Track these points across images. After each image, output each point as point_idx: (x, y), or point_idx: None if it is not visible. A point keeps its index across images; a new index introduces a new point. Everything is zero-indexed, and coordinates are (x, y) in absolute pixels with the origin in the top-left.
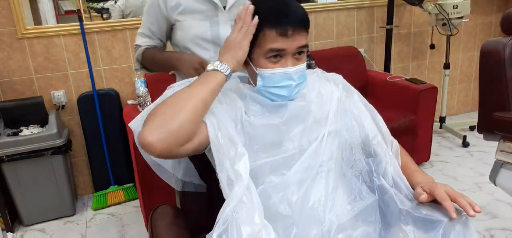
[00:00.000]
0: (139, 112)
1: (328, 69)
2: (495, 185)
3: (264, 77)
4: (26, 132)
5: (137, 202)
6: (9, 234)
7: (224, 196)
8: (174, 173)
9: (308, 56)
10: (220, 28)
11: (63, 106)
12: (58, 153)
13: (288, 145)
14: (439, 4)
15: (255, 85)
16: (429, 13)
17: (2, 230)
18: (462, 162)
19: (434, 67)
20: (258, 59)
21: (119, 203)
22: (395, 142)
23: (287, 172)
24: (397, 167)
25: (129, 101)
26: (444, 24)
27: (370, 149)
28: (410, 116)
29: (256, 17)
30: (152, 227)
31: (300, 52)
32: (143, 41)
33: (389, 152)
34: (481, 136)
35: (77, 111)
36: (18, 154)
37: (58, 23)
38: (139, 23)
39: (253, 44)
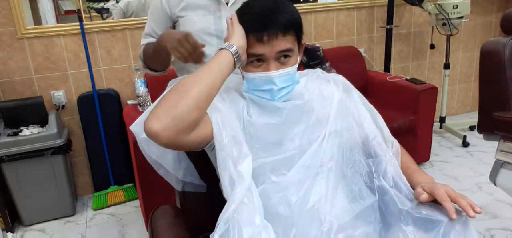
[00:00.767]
0: (139, 112)
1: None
2: (495, 185)
3: (248, 80)
4: (26, 132)
5: (137, 202)
6: (9, 234)
7: (225, 195)
8: (174, 173)
9: (321, 58)
10: (223, 22)
11: (63, 106)
12: (58, 153)
13: (289, 144)
14: (439, 4)
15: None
16: (429, 13)
17: (2, 230)
18: (462, 162)
19: (434, 67)
20: (246, 64)
21: (119, 203)
22: (396, 142)
23: (287, 172)
24: (397, 167)
25: (129, 101)
26: (444, 24)
27: (370, 149)
28: (410, 117)
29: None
30: (152, 227)
31: (285, 56)
32: (146, 42)
33: (389, 152)
34: (481, 136)
35: (77, 111)
36: (18, 154)
37: (58, 23)
38: (140, 23)
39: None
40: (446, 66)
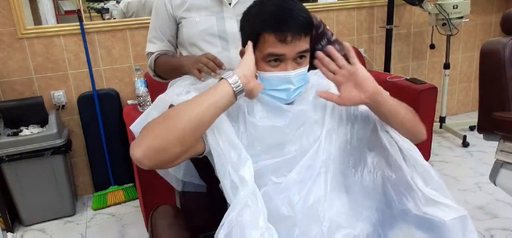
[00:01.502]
0: (139, 112)
1: None
2: (495, 185)
3: (263, 80)
4: (26, 132)
5: (137, 202)
6: (9, 234)
7: (228, 200)
8: (174, 173)
9: (334, 41)
10: (226, 23)
11: (63, 106)
12: (58, 153)
13: (290, 147)
14: (439, 4)
15: None
16: (429, 13)
17: (2, 230)
18: (462, 162)
19: (434, 67)
20: (258, 62)
21: (119, 203)
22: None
23: (288, 173)
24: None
25: (129, 101)
26: (444, 24)
27: (376, 138)
28: None
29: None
30: (152, 227)
31: (301, 57)
32: (154, 47)
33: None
34: (481, 136)
35: (77, 111)
36: (18, 154)
37: (58, 23)
38: (140, 23)
39: (254, 47)
40: (446, 66)
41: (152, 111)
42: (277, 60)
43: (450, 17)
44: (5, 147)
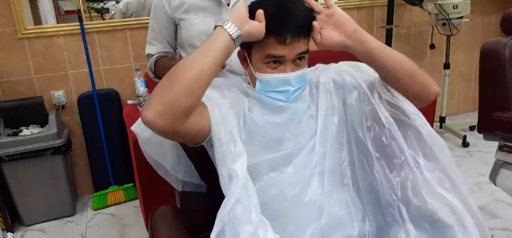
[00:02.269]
0: (139, 112)
1: None
2: (495, 185)
3: (262, 82)
4: (26, 132)
5: (137, 202)
6: (9, 234)
7: (224, 191)
8: (174, 173)
9: None
10: None
11: (63, 106)
12: (58, 153)
13: (288, 144)
14: (439, 4)
15: (254, 88)
16: (429, 13)
17: (2, 230)
18: (462, 162)
19: (434, 67)
20: (257, 63)
21: (119, 203)
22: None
23: (285, 169)
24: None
25: (129, 101)
26: (444, 24)
27: (375, 117)
28: None
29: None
30: (152, 227)
31: (300, 58)
32: (153, 49)
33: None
34: (481, 136)
35: (77, 111)
36: (18, 154)
37: (58, 23)
38: (140, 23)
39: (253, 47)
40: (446, 66)
41: None
42: (276, 61)
43: (450, 17)
44: (5, 147)
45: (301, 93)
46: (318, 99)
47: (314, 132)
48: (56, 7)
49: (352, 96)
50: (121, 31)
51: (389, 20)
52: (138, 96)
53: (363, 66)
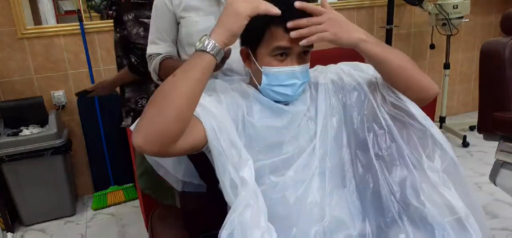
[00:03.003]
0: None
1: None
2: (495, 185)
3: (268, 75)
4: (26, 132)
5: (137, 202)
6: (9, 234)
7: (226, 199)
8: (174, 173)
9: None
10: None
11: (63, 106)
12: (58, 153)
13: (288, 147)
14: (439, 4)
15: (259, 84)
16: (429, 13)
17: (2, 230)
18: (462, 162)
19: (434, 67)
20: (264, 58)
21: (119, 203)
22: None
23: (286, 172)
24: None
25: None
26: (444, 24)
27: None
28: None
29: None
30: (152, 227)
31: (305, 52)
32: (156, 49)
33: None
34: (481, 136)
35: (77, 111)
36: (18, 154)
37: (58, 23)
38: None
39: (259, 42)
40: (446, 66)
41: None
42: (283, 54)
43: (450, 17)
44: (5, 147)
45: (302, 95)
46: (317, 100)
47: (314, 133)
48: (56, 7)
49: (351, 97)
50: None
51: (389, 20)
52: None
53: (363, 65)
